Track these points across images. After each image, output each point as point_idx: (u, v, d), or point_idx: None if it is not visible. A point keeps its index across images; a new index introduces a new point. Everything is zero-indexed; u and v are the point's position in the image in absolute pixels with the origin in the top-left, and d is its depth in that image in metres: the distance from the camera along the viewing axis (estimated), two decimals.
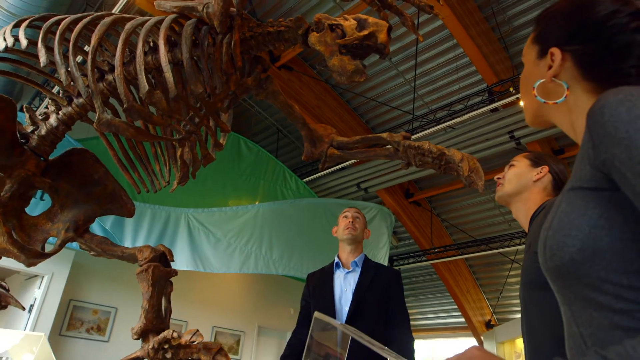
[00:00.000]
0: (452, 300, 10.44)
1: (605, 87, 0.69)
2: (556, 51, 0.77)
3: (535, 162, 1.53)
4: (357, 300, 2.30)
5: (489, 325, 10.35)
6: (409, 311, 2.49)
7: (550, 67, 0.78)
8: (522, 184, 1.50)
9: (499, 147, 7.04)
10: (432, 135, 7.11)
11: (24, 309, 1.48)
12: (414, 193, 9.64)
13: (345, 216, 2.56)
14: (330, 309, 2.31)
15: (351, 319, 2.23)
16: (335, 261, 2.49)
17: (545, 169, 1.49)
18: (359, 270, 2.42)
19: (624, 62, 0.72)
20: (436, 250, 9.54)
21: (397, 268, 10.21)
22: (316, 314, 1.02)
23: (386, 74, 7.81)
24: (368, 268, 2.43)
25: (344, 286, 2.39)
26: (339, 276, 2.43)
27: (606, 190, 0.63)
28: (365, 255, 2.52)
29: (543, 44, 0.81)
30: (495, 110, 6.62)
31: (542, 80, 0.79)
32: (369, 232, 2.61)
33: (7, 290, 1.36)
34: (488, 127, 6.84)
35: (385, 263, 7.52)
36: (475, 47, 6.39)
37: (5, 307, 1.29)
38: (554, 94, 0.78)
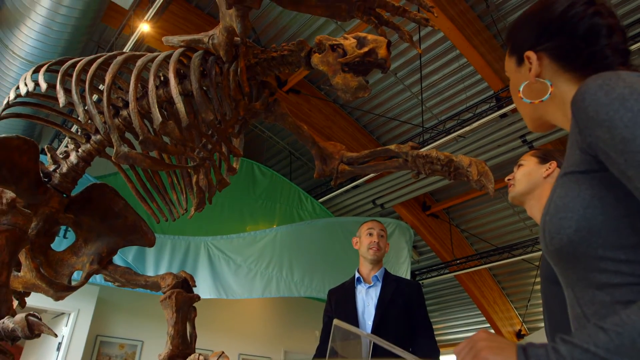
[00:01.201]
0: (480, 312, 10.23)
1: (587, 74, 0.73)
2: (531, 54, 0.82)
3: (543, 159, 1.55)
4: (380, 314, 2.31)
5: (519, 335, 10.09)
6: (435, 326, 2.49)
7: (530, 70, 0.83)
8: (533, 182, 1.52)
9: (513, 152, 7.00)
10: (444, 146, 7.11)
11: (56, 336, 1.53)
12: (431, 205, 9.58)
13: (370, 233, 2.56)
14: (354, 324, 2.32)
15: (375, 333, 2.23)
16: (357, 276, 2.51)
17: (554, 164, 1.51)
18: (380, 284, 2.44)
19: (594, 45, 0.76)
20: (458, 261, 9.42)
21: (420, 282, 10.09)
22: (336, 322, 1.04)
23: (393, 89, 7.88)
24: (389, 282, 2.45)
25: (367, 301, 2.41)
26: (360, 291, 2.45)
27: (596, 172, 0.66)
28: (386, 269, 2.54)
29: (518, 53, 0.86)
30: (504, 115, 6.62)
31: (526, 82, 0.83)
32: (388, 245, 2.62)
33: (40, 319, 1.42)
34: (499, 133, 6.83)
35: (408, 278, 7.45)
36: (478, 56, 6.44)
37: (38, 335, 1.35)
38: (541, 94, 0.82)
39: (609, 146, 0.62)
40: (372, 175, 7.70)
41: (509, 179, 1.62)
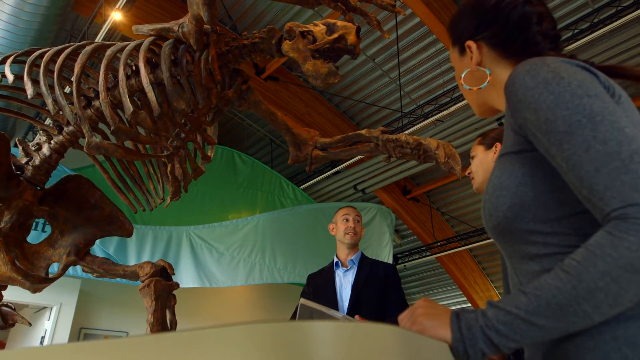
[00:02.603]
0: (461, 292, 10.47)
1: (522, 60, 0.77)
2: (470, 43, 0.87)
3: (489, 144, 1.61)
4: (355, 295, 2.39)
5: None
6: (407, 304, 2.55)
7: (472, 59, 0.87)
8: (487, 169, 1.58)
9: None
10: (423, 130, 7.19)
11: (30, 324, 1.54)
12: (412, 189, 9.70)
13: (346, 219, 2.60)
14: (333, 306, 2.39)
15: (350, 313, 2.31)
16: (335, 261, 2.57)
17: (499, 145, 1.57)
18: (356, 267, 2.50)
19: (527, 32, 0.81)
20: (439, 243, 9.59)
21: (402, 265, 10.25)
22: (302, 301, 1.08)
23: (371, 75, 7.91)
24: (364, 265, 2.52)
25: (344, 284, 2.49)
26: (339, 275, 2.53)
27: (527, 152, 0.71)
28: (362, 253, 2.60)
29: (460, 43, 0.91)
30: None
31: (467, 70, 0.88)
32: (363, 230, 2.68)
33: (14, 309, 1.43)
34: (476, 117, 6.92)
35: (390, 261, 7.57)
36: None
37: (12, 325, 1.36)
38: (482, 81, 0.87)
39: (535, 127, 0.67)
40: (352, 160, 7.76)
41: (469, 173, 1.68)
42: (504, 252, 0.76)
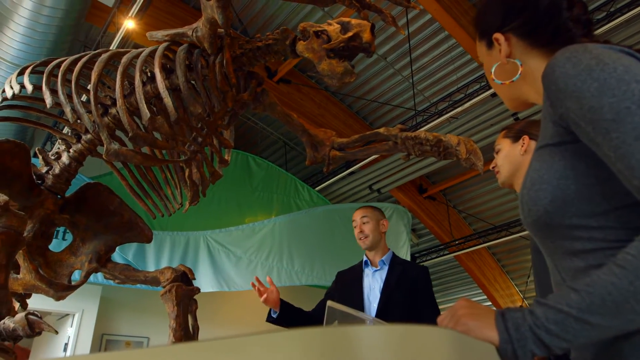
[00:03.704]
0: (481, 290, 10.34)
1: (554, 49, 0.74)
2: (498, 35, 0.84)
3: (515, 137, 1.56)
4: (385, 297, 2.34)
5: None
6: (439, 307, 2.51)
7: (500, 52, 0.84)
8: (514, 163, 1.53)
9: None
10: (437, 127, 7.12)
11: (56, 332, 1.55)
12: (427, 188, 9.61)
13: (355, 225, 2.58)
14: (359, 305, 2.36)
15: (379, 316, 2.26)
16: (364, 259, 2.54)
17: (526, 138, 1.53)
18: (386, 268, 2.46)
19: (557, 19, 0.78)
20: (457, 242, 9.48)
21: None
22: (329, 303, 1.06)
23: (383, 74, 7.86)
24: (395, 265, 2.47)
25: (372, 284, 2.44)
26: (367, 274, 2.49)
27: (568, 143, 0.68)
28: (393, 253, 2.56)
29: (487, 37, 0.88)
30: (495, 95, 6.62)
31: (497, 64, 0.85)
32: (386, 223, 2.60)
33: (40, 318, 1.44)
34: (491, 112, 6.84)
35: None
36: (467, 36, 6.41)
37: (39, 333, 1.37)
38: (513, 74, 0.84)
39: (579, 116, 0.64)
40: (367, 160, 7.72)
41: (493, 167, 1.64)
42: (544, 248, 0.73)
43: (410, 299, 2.34)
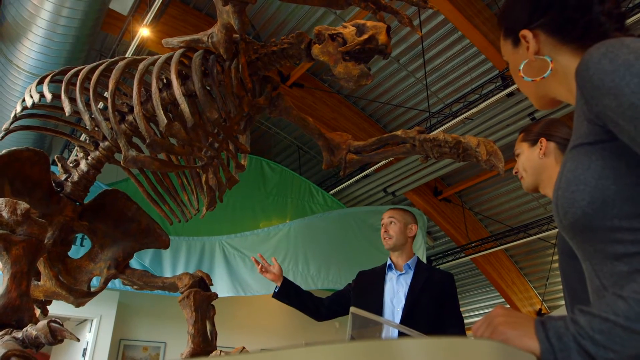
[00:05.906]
0: (498, 293, 10.20)
1: (586, 44, 0.71)
2: (526, 32, 0.81)
3: (533, 140, 1.53)
4: (410, 301, 2.30)
5: (540, 314, 10.03)
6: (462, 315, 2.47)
7: (528, 49, 0.81)
8: (535, 167, 1.50)
9: None
10: (452, 129, 7.06)
11: (78, 340, 1.55)
12: (443, 190, 9.53)
13: (382, 224, 2.56)
14: (377, 308, 2.32)
15: (405, 321, 2.23)
16: (388, 263, 2.51)
17: (543, 140, 1.50)
18: (411, 272, 2.42)
19: (589, 13, 0.75)
20: (473, 244, 9.38)
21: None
22: (352, 309, 1.04)
23: (396, 76, 7.83)
24: (421, 270, 2.44)
25: (397, 288, 2.40)
26: (391, 278, 2.45)
27: (605, 142, 0.65)
28: (419, 258, 2.52)
29: (513, 35, 0.85)
30: (511, 94, 6.54)
31: (526, 61, 0.82)
32: (414, 228, 2.57)
33: (61, 325, 1.44)
34: (507, 113, 6.75)
35: None
36: (481, 36, 6.36)
37: (61, 341, 1.37)
38: (542, 71, 0.81)
39: (618, 114, 0.60)
40: (381, 163, 7.67)
41: (516, 172, 1.61)
42: (581, 252, 0.70)
43: (436, 305, 2.30)
